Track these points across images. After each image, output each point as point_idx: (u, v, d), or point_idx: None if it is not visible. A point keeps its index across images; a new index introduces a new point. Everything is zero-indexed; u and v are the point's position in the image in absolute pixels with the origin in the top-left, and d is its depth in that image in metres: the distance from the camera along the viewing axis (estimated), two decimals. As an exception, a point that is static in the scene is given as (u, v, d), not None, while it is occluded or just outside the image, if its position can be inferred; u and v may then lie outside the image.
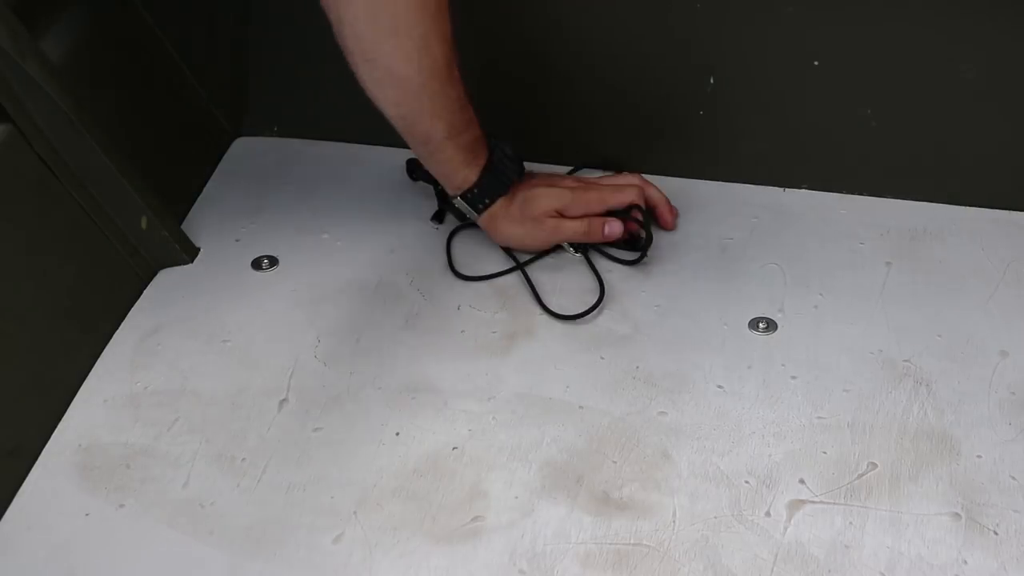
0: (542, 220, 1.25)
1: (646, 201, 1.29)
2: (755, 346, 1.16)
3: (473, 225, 1.30)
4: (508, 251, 1.29)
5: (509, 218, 1.26)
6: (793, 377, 1.13)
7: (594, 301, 1.22)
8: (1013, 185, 1.33)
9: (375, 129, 1.45)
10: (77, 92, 1.20)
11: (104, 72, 1.32)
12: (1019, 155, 1.32)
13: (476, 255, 1.29)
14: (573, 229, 1.25)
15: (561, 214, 1.25)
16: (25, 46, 1.14)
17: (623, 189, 1.27)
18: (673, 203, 1.32)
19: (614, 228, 1.25)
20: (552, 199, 1.25)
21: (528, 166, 1.29)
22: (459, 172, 1.23)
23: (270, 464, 1.06)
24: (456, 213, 1.30)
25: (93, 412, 1.11)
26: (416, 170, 1.36)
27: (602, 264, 1.27)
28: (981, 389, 1.10)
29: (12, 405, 1.06)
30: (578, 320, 1.20)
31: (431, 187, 1.35)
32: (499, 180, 1.25)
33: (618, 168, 1.37)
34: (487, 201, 1.25)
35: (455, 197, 1.26)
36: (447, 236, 1.32)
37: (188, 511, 1.01)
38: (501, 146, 1.25)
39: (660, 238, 1.30)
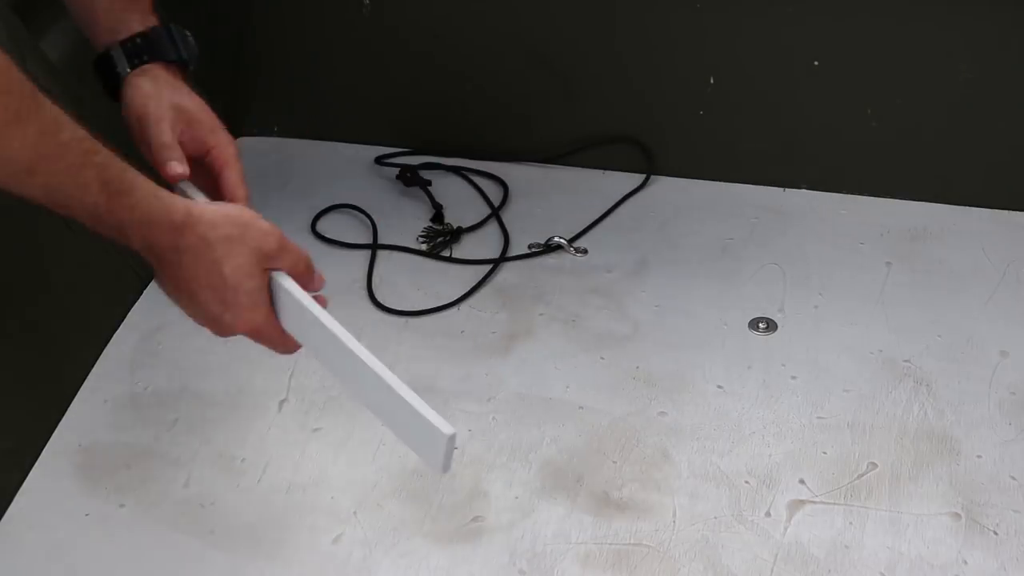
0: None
1: None
2: (755, 346, 1.16)
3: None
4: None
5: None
6: (793, 377, 1.13)
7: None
8: (1013, 185, 1.33)
9: (375, 129, 1.46)
10: (77, 92, 1.20)
11: (104, 72, 1.31)
12: (1019, 155, 1.32)
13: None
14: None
15: None
16: (25, 46, 1.14)
17: None
18: (673, 203, 1.32)
19: None
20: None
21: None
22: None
23: (270, 464, 1.05)
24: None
25: (93, 412, 1.11)
26: (411, 176, 1.37)
27: (597, 263, 1.27)
28: (981, 389, 1.10)
29: (12, 405, 1.06)
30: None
31: (429, 187, 1.36)
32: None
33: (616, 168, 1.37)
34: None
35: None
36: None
37: (188, 511, 1.01)
38: None
39: (660, 238, 1.31)
